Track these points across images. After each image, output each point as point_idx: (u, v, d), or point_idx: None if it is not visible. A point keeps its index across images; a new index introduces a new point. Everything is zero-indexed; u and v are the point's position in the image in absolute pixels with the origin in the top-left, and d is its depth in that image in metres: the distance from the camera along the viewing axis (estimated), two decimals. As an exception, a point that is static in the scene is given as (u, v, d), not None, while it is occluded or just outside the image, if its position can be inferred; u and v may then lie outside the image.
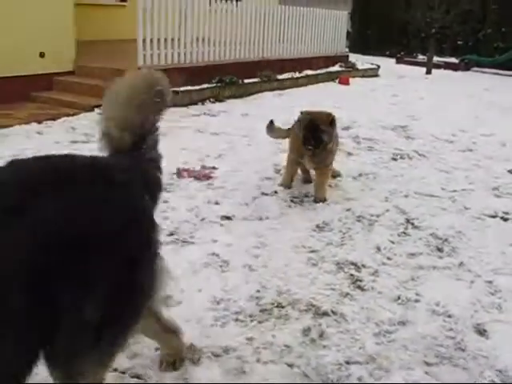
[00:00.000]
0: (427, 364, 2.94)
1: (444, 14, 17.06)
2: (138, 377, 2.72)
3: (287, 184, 5.46)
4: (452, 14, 16.98)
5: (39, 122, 7.70)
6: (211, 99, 9.99)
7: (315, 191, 5.26)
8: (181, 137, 7.24)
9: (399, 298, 3.59)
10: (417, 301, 3.56)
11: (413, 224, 4.82)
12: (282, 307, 3.40)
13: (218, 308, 3.35)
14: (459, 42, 21.53)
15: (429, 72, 17.54)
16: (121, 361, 2.80)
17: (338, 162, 6.29)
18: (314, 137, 4.83)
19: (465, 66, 19.40)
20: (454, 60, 20.04)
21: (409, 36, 21.99)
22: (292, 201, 5.21)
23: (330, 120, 4.92)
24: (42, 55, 9.09)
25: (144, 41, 9.28)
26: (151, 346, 2.92)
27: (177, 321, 3.14)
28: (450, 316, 3.40)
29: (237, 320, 3.24)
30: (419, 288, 3.72)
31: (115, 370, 2.74)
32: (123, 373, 2.74)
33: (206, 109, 9.38)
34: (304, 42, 13.96)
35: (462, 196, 5.61)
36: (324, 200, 5.16)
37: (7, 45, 8.49)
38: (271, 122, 5.94)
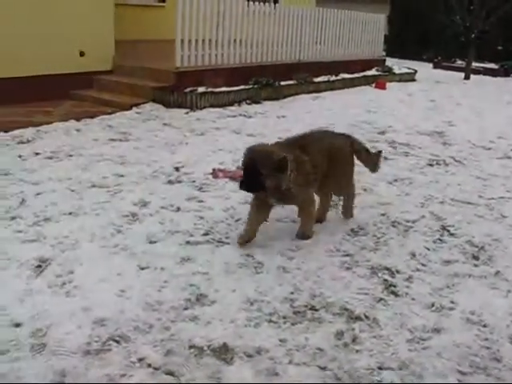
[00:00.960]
0: (461, 373, 2.91)
1: (484, 19, 16.78)
2: (171, 374, 2.75)
3: (244, 238, 4.21)
4: (492, 18, 16.69)
5: (78, 120, 7.84)
6: (247, 101, 10.03)
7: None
8: (217, 137, 7.28)
9: (433, 305, 3.56)
10: (451, 309, 3.53)
11: (449, 231, 4.77)
12: (316, 310, 3.40)
13: (252, 309, 3.37)
14: (499, 48, 21.23)
15: (467, 77, 17.33)
16: (155, 357, 2.84)
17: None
18: (254, 181, 3.92)
19: (504, 72, 19.13)
20: (493, 65, 19.77)
21: (447, 40, 21.73)
22: (326, 204, 5.19)
23: (278, 163, 3.88)
24: (81, 54, 9.25)
25: (182, 41, 9.37)
26: (186, 344, 2.95)
27: (210, 320, 3.18)
28: (485, 325, 3.35)
29: (270, 321, 3.26)
30: (454, 296, 3.68)
31: (149, 365, 2.79)
32: (156, 369, 2.78)
33: (242, 110, 9.42)
34: (341, 45, 13.90)
35: (500, 204, 5.53)
36: (306, 237, 4.37)
37: (49, 44, 8.67)
38: None
